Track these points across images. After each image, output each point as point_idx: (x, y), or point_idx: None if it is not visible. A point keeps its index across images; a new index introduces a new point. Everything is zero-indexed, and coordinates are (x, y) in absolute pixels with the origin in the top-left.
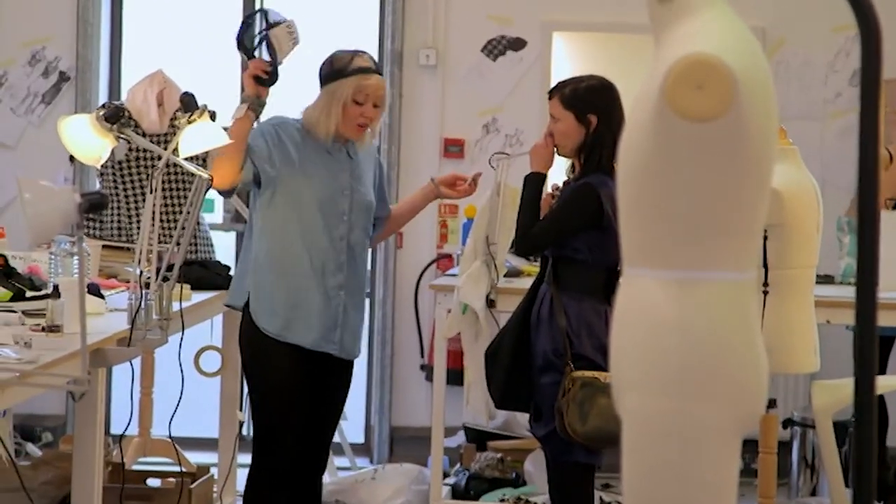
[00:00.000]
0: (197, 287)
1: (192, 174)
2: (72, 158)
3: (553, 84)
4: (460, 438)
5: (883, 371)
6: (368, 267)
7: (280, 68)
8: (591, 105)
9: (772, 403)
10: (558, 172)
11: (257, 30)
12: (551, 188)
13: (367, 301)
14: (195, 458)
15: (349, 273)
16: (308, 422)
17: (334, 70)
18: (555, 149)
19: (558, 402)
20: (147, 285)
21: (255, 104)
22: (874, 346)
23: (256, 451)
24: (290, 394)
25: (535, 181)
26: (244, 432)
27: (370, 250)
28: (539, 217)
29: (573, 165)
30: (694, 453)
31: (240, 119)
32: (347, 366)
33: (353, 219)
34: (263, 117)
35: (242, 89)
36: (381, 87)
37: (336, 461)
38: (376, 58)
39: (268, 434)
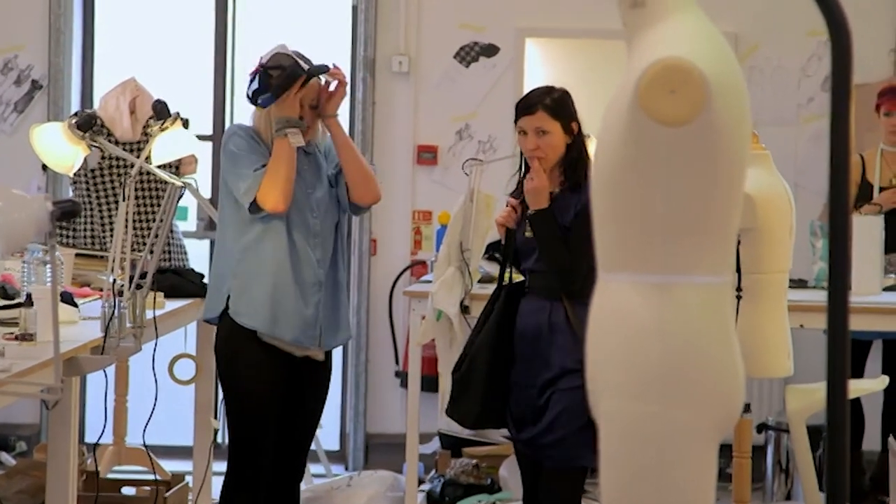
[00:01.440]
0: (171, 295)
1: (165, 182)
2: (44, 167)
3: (523, 94)
4: (435, 445)
5: (860, 375)
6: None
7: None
8: (572, 113)
9: (746, 408)
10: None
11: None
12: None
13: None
14: (170, 466)
15: (329, 267)
16: (285, 428)
17: None
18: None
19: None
20: (120, 293)
21: (299, 123)
22: (846, 351)
23: (232, 459)
24: (267, 400)
25: (545, 218)
26: (219, 440)
27: (370, 203)
28: (566, 251)
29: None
30: (672, 457)
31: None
32: (325, 369)
33: (322, 211)
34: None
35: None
36: (311, 85)
37: (311, 468)
38: (349, 65)
39: (244, 441)
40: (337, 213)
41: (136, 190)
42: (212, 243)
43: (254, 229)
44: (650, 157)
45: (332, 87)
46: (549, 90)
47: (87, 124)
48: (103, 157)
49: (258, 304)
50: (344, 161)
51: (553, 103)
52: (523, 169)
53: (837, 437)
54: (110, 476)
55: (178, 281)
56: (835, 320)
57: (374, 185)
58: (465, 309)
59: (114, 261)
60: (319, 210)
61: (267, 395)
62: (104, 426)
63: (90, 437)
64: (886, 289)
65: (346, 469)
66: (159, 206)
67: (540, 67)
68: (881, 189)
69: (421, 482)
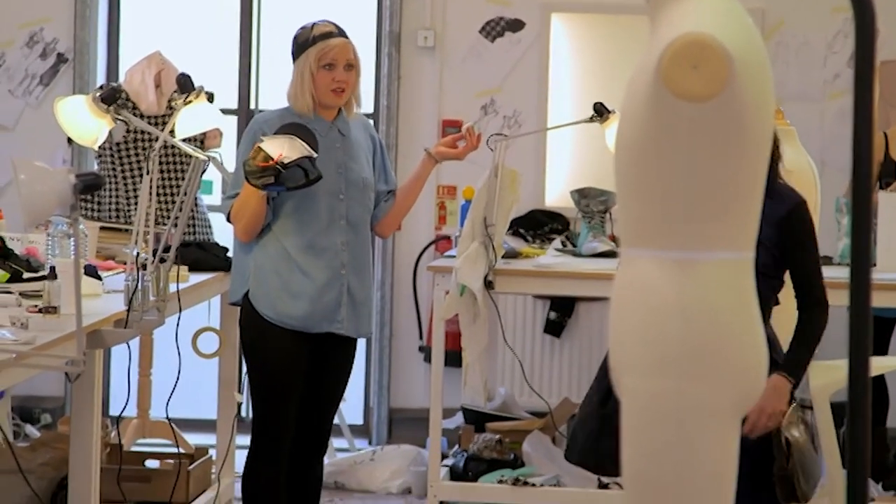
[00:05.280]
0: (194, 268)
1: (190, 155)
2: (70, 140)
3: (552, 66)
4: (459, 420)
5: (884, 352)
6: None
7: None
8: None
9: None
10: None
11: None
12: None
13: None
14: (193, 439)
15: (352, 252)
16: (308, 403)
17: (299, 44)
18: None
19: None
20: (144, 266)
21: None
22: (868, 327)
23: (255, 433)
24: (290, 376)
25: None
26: (242, 413)
27: (389, 236)
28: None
29: None
30: (693, 433)
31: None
32: (350, 344)
33: (349, 196)
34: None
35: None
36: (347, 48)
37: (335, 443)
38: (374, 39)
39: (267, 417)
40: (369, 196)
41: (160, 164)
42: None
43: (278, 210)
44: (673, 134)
45: (461, 144)
46: None
47: (112, 98)
48: (128, 131)
49: (272, 294)
50: (407, 193)
51: None
52: None
53: (859, 413)
54: (134, 449)
55: (201, 254)
56: (857, 296)
57: (399, 224)
58: (488, 284)
59: (138, 234)
60: (350, 190)
61: (290, 371)
62: (128, 399)
63: (114, 410)
64: None
65: (370, 443)
66: (183, 179)
67: (565, 42)
68: None
69: (444, 457)
